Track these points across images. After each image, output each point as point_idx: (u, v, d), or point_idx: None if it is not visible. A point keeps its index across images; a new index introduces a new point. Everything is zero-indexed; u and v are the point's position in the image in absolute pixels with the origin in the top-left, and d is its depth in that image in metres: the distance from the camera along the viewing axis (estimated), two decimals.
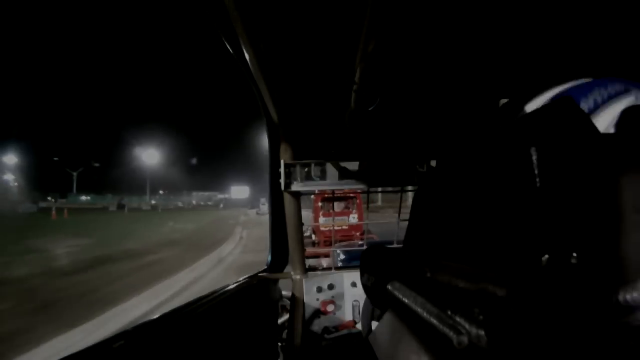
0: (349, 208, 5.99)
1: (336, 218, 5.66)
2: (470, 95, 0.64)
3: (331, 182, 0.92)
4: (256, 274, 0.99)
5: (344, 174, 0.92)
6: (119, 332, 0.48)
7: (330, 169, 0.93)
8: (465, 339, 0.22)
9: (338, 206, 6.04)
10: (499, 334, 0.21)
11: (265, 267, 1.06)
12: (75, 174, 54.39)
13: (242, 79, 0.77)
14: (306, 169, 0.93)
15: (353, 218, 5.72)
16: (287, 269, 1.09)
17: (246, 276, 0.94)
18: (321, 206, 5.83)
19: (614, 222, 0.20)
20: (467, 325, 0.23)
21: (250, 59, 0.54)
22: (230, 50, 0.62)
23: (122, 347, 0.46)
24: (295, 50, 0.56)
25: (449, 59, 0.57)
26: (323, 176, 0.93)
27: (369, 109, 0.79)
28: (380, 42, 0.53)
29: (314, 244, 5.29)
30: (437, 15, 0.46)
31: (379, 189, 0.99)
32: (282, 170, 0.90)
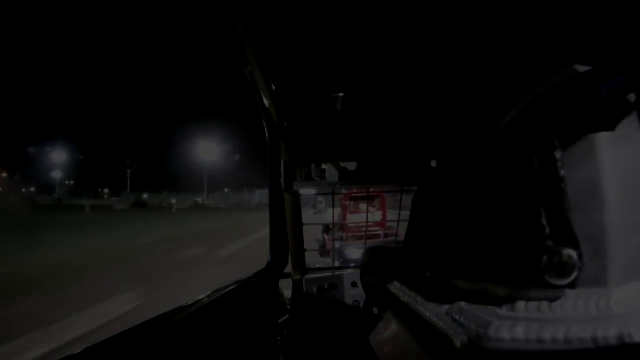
0: (373, 206, 6.47)
1: (362, 215, 6.16)
2: (471, 95, 0.64)
3: (331, 182, 0.92)
4: (256, 274, 0.99)
5: (344, 174, 0.92)
6: (119, 332, 0.48)
7: (330, 169, 0.93)
8: (465, 338, 0.22)
9: (363, 205, 6.48)
10: (499, 333, 0.21)
11: (265, 267, 1.06)
12: (128, 171, 54.67)
13: (241, 77, 0.77)
14: (306, 169, 0.93)
15: (377, 215, 6.22)
16: (287, 269, 1.09)
17: (246, 276, 0.94)
18: (349, 205, 6.47)
19: (615, 223, 0.20)
20: (467, 325, 0.23)
21: (249, 57, 0.54)
22: (230, 49, 0.62)
23: (123, 347, 0.46)
24: (295, 49, 0.56)
25: (449, 58, 0.57)
26: (323, 176, 0.93)
27: (370, 109, 0.79)
28: (381, 41, 0.53)
29: (342, 238, 5.50)
30: (438, 14, 0.46)
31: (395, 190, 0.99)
32: (282, 170, 0.90)
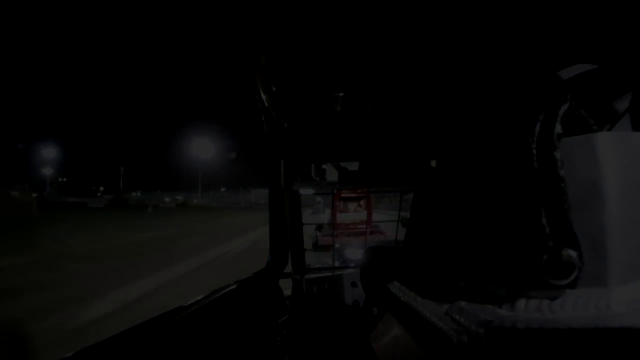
0: (360, 206, 7.26)
1: (351, 214, 6.92)
2: (471, 95, 0.64)
3: (331, 182, 0.92)
4: (256, 274, 0.99)
5: (344, 174, 0.92)
6: (119, 332, 0.48)
7: (330, 169, 0.93)
8: (465, 338, 0.22)
9: (352, 205, 7.22)
10: (499, 333, 0.21)
11: (265, 267, 1.06)
12: (122, 169, 54.91)
13: (241, 77, 0.77)
14: (306, 169, 0.93)
15: (364, 214, 6.90)
16: (287, 269, 1.09)
17: (246, 276, 0.94)
18: (339, 205, 7.08)
19: (615, 223, 0.20)
20: (467, 325, 0.23)
21: (249, 57, 0.54)
22: (230, 49, 0.62)
23: (122, 347, 0.46)
24: (295, 49, 0.56)
25: (449, 58, 0.57)
26: (323, 176, 0.93)
27: (370, 109, 0.79)
28: (380, 42, 0.53)
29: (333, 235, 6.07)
30: (436, 14, 0.46)
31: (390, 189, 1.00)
32: (282, 170, 0.90)
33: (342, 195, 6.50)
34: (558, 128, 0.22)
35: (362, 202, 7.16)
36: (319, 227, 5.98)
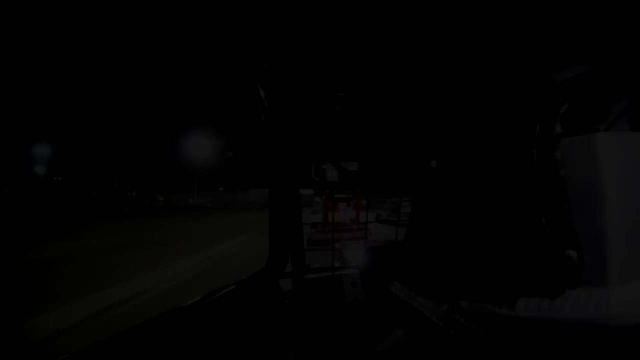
0: (350, 206, 8.13)
1: (339, 214, 7.67)
2: (472, 96, 0.64)
3: (331, 182, 0.92)
4: (256, 274, 0.99)
5: (344, 174, 0.92)
6: (119, 332, 0.48)
7: (330, 169, 0.93)
8: (465, 338, 0.22)
9: (343, 204, 7.95)
10: (499, 333, 0.21)
11: (265, 267, 1.06)
12: (117, 168, 55.01)
13: (241, 76, 0.77)
14: (306, 169, 0.93)
15: (353, 213, 7.80)
16: (287, 269, 1.09)
17: (246, 276, 0.94)
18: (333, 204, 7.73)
19: (615, 223, 0.20)
20: (467, 325, 0.23)
21: (250, 57, 0.54)
22: (230, 49, 0.62)
23: (122, 348, 0.46)
24: (295, 49, 0.56)
25: (450, 59, 0.57)
26: (323, 176, 0.93)
27: (370, 109, 0.79)
28: (381, 42, 0.53)
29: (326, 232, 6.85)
30: (437, 15, 0.46)
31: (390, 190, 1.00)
32: (282, 170, 0.90)
33: (335, 195, 6.84)
34: (558, 128, 0.22)
35: (351, 202, 8.02)
36: (314, 225, 6.63)
